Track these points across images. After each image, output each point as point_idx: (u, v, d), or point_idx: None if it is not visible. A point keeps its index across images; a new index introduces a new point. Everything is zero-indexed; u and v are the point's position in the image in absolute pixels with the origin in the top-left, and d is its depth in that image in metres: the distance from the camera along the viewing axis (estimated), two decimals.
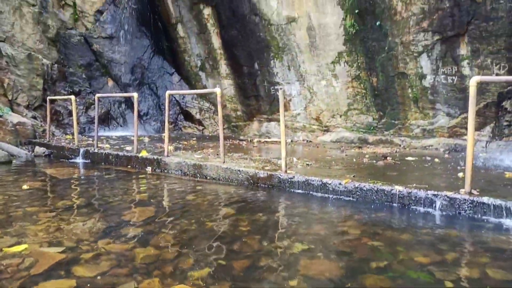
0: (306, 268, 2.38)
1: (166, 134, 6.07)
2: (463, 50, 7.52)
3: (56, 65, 10.55)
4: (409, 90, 8.38)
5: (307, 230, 3.12)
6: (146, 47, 11.95)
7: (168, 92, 5.90)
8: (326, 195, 4.35)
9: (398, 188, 3.93)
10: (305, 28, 9.46)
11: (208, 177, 5.39)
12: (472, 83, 3.58)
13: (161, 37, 12.18)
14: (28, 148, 8.13)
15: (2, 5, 9.64)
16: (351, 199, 4.19)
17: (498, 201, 3.38)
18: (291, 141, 9.99)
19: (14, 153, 7.45)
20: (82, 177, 5.48)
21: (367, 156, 6.66)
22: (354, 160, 6.27)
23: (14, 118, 8.58)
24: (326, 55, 9.41)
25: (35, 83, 9.99)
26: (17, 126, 8.34)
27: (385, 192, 3.99)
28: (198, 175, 5.50)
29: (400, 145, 8.35)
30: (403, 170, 5.25)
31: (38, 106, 10.02)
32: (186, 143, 8.84)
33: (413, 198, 3.80)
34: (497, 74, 7.19)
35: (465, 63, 7.52)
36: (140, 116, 11.29)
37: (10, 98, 9.47)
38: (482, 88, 7.24)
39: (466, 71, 7.55)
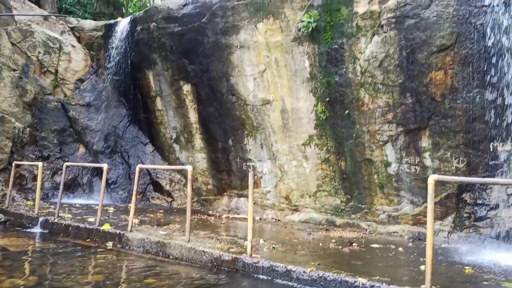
0: None
1: (132, 209, 5.94)
2: (425, 142, 8.00)
3: (28, 128, 10.46)
4: (375, 176, 8.68)
5: None
6: (123, 116, 12.13)
7: (139, 166, 5.90)
8: (290, 283, 4.26)
9: (361, 281, 3.92)
10: (279, 111, 9.93)
11: (171, 257, 5.22)
12: (430, 181, 3.78)
13: (139, 108, 12.44)
14: None
15: None
16: None
17: None
18: (260, 218, 9.93)
19: None
20: (37, 250, 5.20)
21: (333, 241, 6.67)
22: (321, 244, 6.25)
23: None
24: (298, 137, 9.78)
25: (3, 145, 9.79)
26: None
27: (349, 283, 3.96)
28: (161, 253, 5.32)
29: (366, 230, 8.42)
30: (367, 259, 5.26)
31: (2, 169, 9.71)
32: (152, 216, 8.63)
33: None
34: (456, 168, 7.61)
35: (426, 154, 7.95)
36: (108, 184, 11.08)
37: None
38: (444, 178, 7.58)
39: (428, 162, 7.97)
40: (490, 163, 7.24)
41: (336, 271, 4.21)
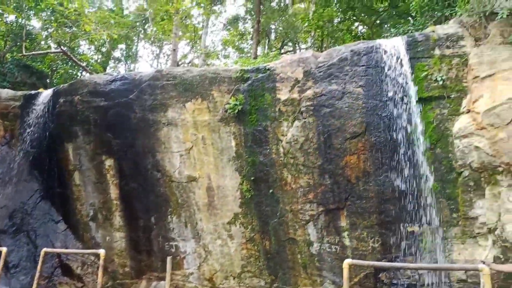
0: None
1: None
2: (343, 222, 8.37)
3: None
4: (299, 256, 8.74)
5: None
6: (34, 191, 11.15)
7: (44, 250, 5.37)
8: None
9: None
10: (205, 188, 9.87)
11: None
12: (345, 265, 3.91)
13: (54, 182, 11.59)
14: None
15: None
16: None
17: None
18: None
19: None
20: None
21: None
22: None
23: None
24: (224, 215, 9.69)
25: None
26: None
27: None
28: None
29: None
30: None
31: None
32: None
33: None
34: (372, 248, 7.97)
35: (345, 234, 8.28)
36: (8, 269, 9.75)
37: None
38: (362, 259, 7.86)
39: (347, 241, 8.27)
40: (402, 243, 7.73)
41: None
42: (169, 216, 10.24)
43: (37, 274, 5.23)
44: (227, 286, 9.44)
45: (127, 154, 10.60)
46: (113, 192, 10.90)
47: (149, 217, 10.49)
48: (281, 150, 9.00)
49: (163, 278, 10.13)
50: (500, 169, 6.51)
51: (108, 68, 23.51)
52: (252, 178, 9.28)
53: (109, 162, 10.90)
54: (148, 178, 10.40)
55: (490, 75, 7.04)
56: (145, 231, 10.53)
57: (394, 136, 7.89)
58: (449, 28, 8.01)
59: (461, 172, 7.05)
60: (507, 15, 6.90)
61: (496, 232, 6.39)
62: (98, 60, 22.79)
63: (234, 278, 9.42)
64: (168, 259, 4.51)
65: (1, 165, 10.89)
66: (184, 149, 10.02)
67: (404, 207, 7.58)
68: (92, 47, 22.77)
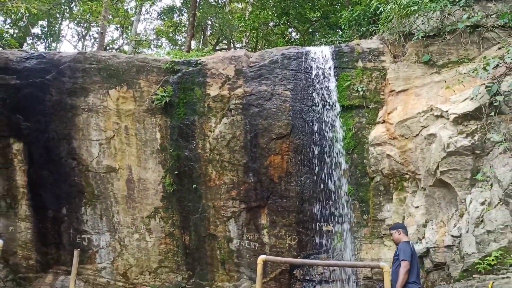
0: None
1: None
2: (264, 220, 8.57)
3: None
4: (218, 252, 8.76)
5: None
6: None
7: None
8: None
9: None
10: (125, 180, 9.44)
11: None
12: (259, 261, 4.00)
13: None
14: None
15: None
16: None
17: None
18: None
19: None
20: None
21: None
22: None
23: None
24: (143, 208, 9.36)
25: None
26: None
27: None
28: None
29: None
30: None
31: None
32: None
33: None
34: (289, 245, 8.26)
35: (265, 231, 8.48)
36: None
37: None
38: (279, 255, 8.11)
39: (266, 238, 8.48)
40: (317, 241, 8.12)
41: None
42: (82, 208, 9.64)
43: None
44: (142, 281, 9.15)
45: (38, 139, 9.75)
46: (20, 179, 9.96)
47: (60, 207, 9.77)
48: (208, 146, 8.94)
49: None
50: (407, 176, 7.13)
51: (25, 45, 21.40)
52: (175, 172, 9.10)
53: (17, 146, 9.94)
54: (62, 166, 9.68)
55: (404, 90, 7.69)
56: (54, 222, 9.79)
57: (316, 139, 8.25)
58: (372, 43, 8.59)
59: (374, 177, 7.60)
60: (422, 37, 7.58)
61: None
62: (14, 35, 20.66)
63: (150, 273, 9.16)
64: (75, 251, 4.24)
65: None
66: (104, 138, 9.50)
67: (321, 207, 7.97)
68: (8, 20, 20.60)
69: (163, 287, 9.03)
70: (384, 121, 7.64)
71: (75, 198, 9.65)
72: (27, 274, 9.92)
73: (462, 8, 7.56)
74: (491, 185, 5.72)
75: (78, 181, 9.60)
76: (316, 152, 8.17)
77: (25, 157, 9.87)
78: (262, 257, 3.99)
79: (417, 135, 7.04)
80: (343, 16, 12.55)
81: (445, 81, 6.95)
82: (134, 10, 23.64)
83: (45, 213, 9.83)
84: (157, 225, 9.26)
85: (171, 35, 24.98)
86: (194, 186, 8.99)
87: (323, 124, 8.28)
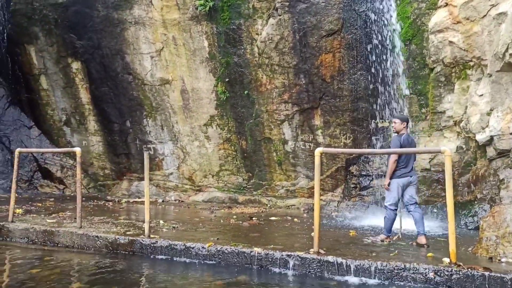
0: None
1: (12, 197, 5.35)
2: (317, 121, 8.58)
3: None
4: (274, 154, 9.08)
5: None
6: (1, 96, 10.68)
7: (18, 150, 5.33)
8: (190, 260, 4.28)
9: (257, 250, 4.10)
10: (179, 91, 9.70)
11: (61, 245, 4.86)
12: (316, 153, 4.08)
13: (20, 87, 11.09)
14: None
15: None
16: (214, 262, 4.20)
17: (340, 259, 3.77)
18: (163, 201, 9.73)
19: None
20: None
21: (234, 216, 6.85)
22: (222, 221, 6.37)
23: None
24: (199, 117, 9.72)
25: None
26: None
27: (245, 254, 4.12)
28: (49, 242, 4.92)
29: (267, 205, 8.83)
30: (265, 231, 5.52)
31: None
32: (40, 204, 7.89)
33: (270, 260, 4.00)
34: (344, 143, 8.33)
35: (319, 132, 8.55)
36: None
37: None
38: (334, 154, 8.25)
39: (320, 139, 8.58)
40: (372, 138, 8.07)
41: (233, 244, 4.34)
42: (144, 120, 10.19)
43: (15, 174, 5.27)
44: (206, 183, 9.87)
45: (94, 57, 10.10)
46: (84, 96, 10.61)
47: (124, 121, 10.42)
48: (256, 50, 8.74)
49: (144, 179, 10.48)
50: (471, 63, 6.59)
51: None
52: (227, 79, 9.14)
53: (76, 66, 10.41)
54: (119, 82, 10.10)
55: None
56: (121, 135, 10.54)
57: (370, 33, 7.73)
58: None
59: (434, 68, 7.12)
60: None
61: (461, 124, 6.70)
62: None
63: (212, 176, 9.81)
64: (145, 154, 4.58)
65: None
66: (154, 50, 9.60)
67: (376, 104, 7.76)
68: None
69: (225, 188, 9.69)
70: (446, 4, 6.87)
71: (136, 111, 10.18)
72: (105, 181, 11.07)
73: None
74: None
75: (137, 95, 10.03)
76: (370, 46, 7.71)
77: (85, 75, 10.36)
78: (319, 149, 4.07)
79: (485, 16, 6.31)
80: None
81: None
82: None
83: (112, 127, 10.57)
84: (214, 132, 9.63)
85: None
86: (246, 92, 9.03)
87: (377, 14, 7.66)
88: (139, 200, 9.46)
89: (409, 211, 4.84)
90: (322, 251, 3.99)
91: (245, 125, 9.28)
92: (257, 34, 8.68)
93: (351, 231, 5.52)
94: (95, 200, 9.22)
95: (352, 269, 3.66)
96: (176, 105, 9.81)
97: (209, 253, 4.25)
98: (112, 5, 9.40)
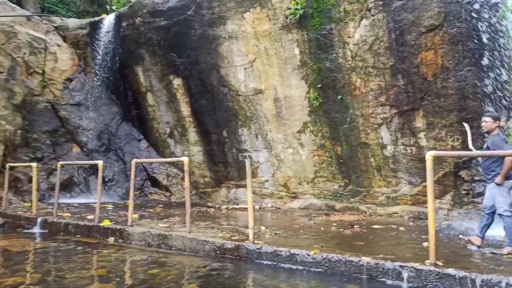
0: None
1: (130, 203, 5.91)
2: (419, 123, 8.04)
3: (19, 131, 10.32)
4: (372, 159, 8.71)
5: None
6: (115, 114, 12.01)
7: (134, 161, 5.86)
8: (294, 267, 4.28)
9: (365, 259, 3.94)
10: (272, 99, 9.89)
11: (173, 248, 5.21)
12: (428, 157, 3.80)
13: (131, 104, 12.33)
14: None
15: None
16: (320, 270, 4.14)
17: (462, 273, 3.44)
18: (259, 207, 9.93)
19: None
20: (38, 250, 5.15)
21: (334, 224, 6.70)
22: (322, 228, 6.28)
23: None
24: (292, 124, 9.77)
25: None
26: None
27: (353, 263, 3.98)
28: (163, 245, 5.31)
29: (366, 212, 8.48)
30: (370, 239, 5.29)
31: None
32: (152, 210, 8.60)
33: (381, 270, 3.80)
34: (452, 146, 7.66)
35: (421, 135, 7.99)
36: (104, 182, 10.99)
37: None
38: (439, 158, 7.64)
39: (423, 142, 8.01)
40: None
41: (339, 252, 4.23)
42: (239, 129, 10.56)
43: (132, 182, 5.81)
44: (301, 190, 9.85)
45: (192, 72, 10.79)
46: (185, 110, 11.37)
47: (221, 131, 10.92)
48: (348, 53, 8.54)
49: (240, 186, 10.82)
50: None
51: None
52: (319, 85, 9.06)
53: (177, 82, 11.23)
54: (216, 94, 10.62)
55: None
56: (219, 144, 11.06)
57: (478, 24, 7.04)
58: None
59: None
60: None
61: None
62: None
63: (307, 183, 9.75)
64: (247, 162, 4.72)
65: (81, 92, 11.72)
66: (247, 62, 9.93)
67: (489, 101, 7.02)
68: None
69: (321, 195, 9.56)
70: None
71: (232, 121, 10.60)
72: (205, 189, 11.68)
73: None
74: None
75: (232, 106, 10.45)
76: (478, 38, 7.02)
77: (185, 90, 11.13)
78: (431, 153, 3.78)
79: None
80: None
81: None
82: None
83: (210, 137, 11.15)
84: (308, 138, 9.58)
85: None
86: (339, 97, 8.85)
87: (485, 4, 6.96)
88: (238, 206, 9.79)
89: None
90: (439, 263, 3.68)
91: (340, 131, 9.08)
92: (349, 37, 8.48)
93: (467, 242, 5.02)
94: (198, 207, 9.77)
95: (477, 284, 3.31)
96: (269, 113, 9.99)
97: (314, 260, 4.20)
98: (208, 23, 9.98)
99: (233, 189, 10.94)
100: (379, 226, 6.49)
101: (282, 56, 9.45)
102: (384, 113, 8.36)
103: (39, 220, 6.77)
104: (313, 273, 4.09)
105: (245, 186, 10.60)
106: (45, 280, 3.66)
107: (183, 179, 11.56)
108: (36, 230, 6.71)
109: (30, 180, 9.65)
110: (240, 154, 10.65)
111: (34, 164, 7.29)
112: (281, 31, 9.25)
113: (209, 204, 10.47)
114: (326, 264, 4.13)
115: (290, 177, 9.99)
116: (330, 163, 9.39)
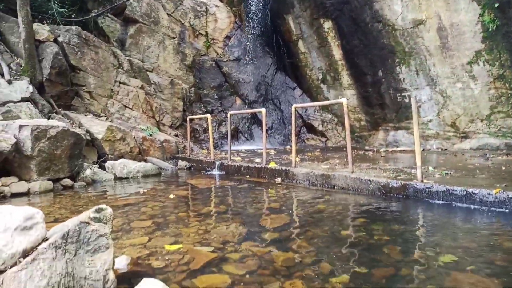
0: (456, 281, 2.20)
1: (293, 146, 6.26)
2: None
3: (192, 88, 11.82)
4: None
5: (452, 242, 2.87)
6: (269, 65, 12.57)
7: (294, 106, 6.10)
8: (472, 206, 3.94)
9: None
10: (435, 30, 8.81)
11: (336, 187, 5.36)
12: None
13: (283, 54, 12.68)
14: (172, 162, 9.22)
15: (149, 40, 11.27)
16: (503, 210, 3.71)
17: None
18: (423, 149, 9.28)
19: (162, 166, 8.53)
20: (219, 187, 5.98)
21: None
22: (503, 168, 5.54)
23: (161, 136, 9.84)
24: (461, 55, 8.59)
25: (176, 105, 11.35)
26: (164, 143, 9.54)
27: None
28: (326, 184, 5.52)
29: None
30: None
31: (179, 125, 11.33)
32: (310, 154, 8.94)
33: None
34: None
35: None
36: (265, 130, 11.83)
37: (157, 119, 10.92)
38: None
39: None
40: None
41: None
42: (397, 67, 9.86)
43: (293, 127, 6.10)
44: (473, 129, 8.79)
45: (343, 12, 10.36)
46: (336, 53, 11.13)
47: (375, 71, 10.39)
48: None
49: (400, 128, 10.26)
50: None
51: None
52: (496, 5, 7.65)
53: (327, 25, 10.97)
54: (369, 32, 10.03)
55: None
56: (374, 86, 10.58)
57: None
58: None
59: None
60: None
61: None
62: None
63: (481, 121, 8.63)
64: (412, 97, 4.39)
65: (239, 48, 12.57)
66: None
67: None
68: None
69: (500, 133, 8.36)
70: None
71: (388, 59, 9.94)
72: (361, 133, 11.47)
73: None
74: None
75: (387, 43, 9.74)
76: None
77: (336, 32, 10.83)
78: None
79: None
80: None
81: None
82: None
83: (364, 79, 10.74)
84: (481, 69, 8.35)
85: None
86: None
87: None
88: (398, 149, 9.36)
89: None
90: None
91: None
92: None
93: None
94: (355, 150, 9.71)
95: None
96: (432, 45, 8.99)
97: (496, 200, 3.77)
98: None
99: (392, 131, 10.45)
100: None
101: None
102: None
103: (217, 163, 7.80)
104: (494, 213, 3.70)
105: (404, 128, 10.00)
106: (230, 210, 4.26)
107: (337, 124, 11.56)
108: (215, 172, 7.77)
109: (204, 131, 11.09)
110: (398, 94, 10.00)
111: (209, 116, 8.29)
112: None
113: (366, 147, 10.28)
114: (511, 204, 3.67)
115: (459, 115, 8.97)
116: (510, 96, 8.05)
